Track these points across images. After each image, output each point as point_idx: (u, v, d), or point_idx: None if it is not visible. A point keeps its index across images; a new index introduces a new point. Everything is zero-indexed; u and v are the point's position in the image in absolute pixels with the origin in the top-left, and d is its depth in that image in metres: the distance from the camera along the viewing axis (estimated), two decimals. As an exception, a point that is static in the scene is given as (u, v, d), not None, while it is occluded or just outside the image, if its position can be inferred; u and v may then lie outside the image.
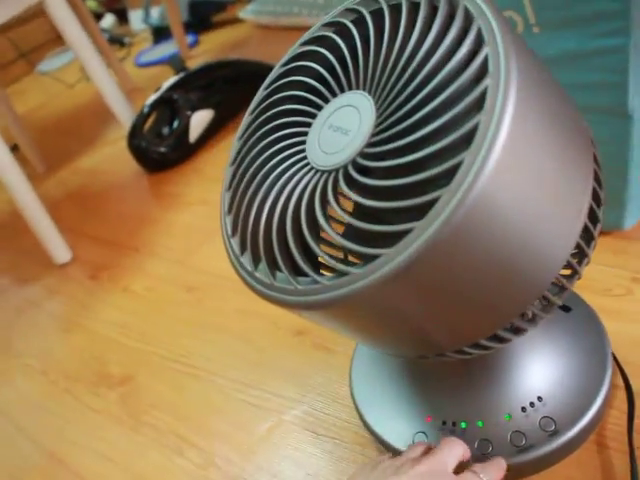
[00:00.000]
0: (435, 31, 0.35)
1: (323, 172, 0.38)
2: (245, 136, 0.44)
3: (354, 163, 0.36)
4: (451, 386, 0.52)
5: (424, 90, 0.34)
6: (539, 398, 0.49)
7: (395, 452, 0.50)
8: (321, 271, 0.41)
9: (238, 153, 0.44)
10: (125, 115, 1.27)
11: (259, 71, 1.23)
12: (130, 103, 1.31)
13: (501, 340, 0.42)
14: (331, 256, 0.36)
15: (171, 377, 0.74)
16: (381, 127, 0.36)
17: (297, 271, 0.38)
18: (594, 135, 0.44)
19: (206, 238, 0.98)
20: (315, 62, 0.42)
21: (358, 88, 0.38)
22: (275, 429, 0.62)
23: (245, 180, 0.42)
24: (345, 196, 0.37)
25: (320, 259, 0.39)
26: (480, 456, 0.47)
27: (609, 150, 0.62)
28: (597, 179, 0.42)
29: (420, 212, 0.32)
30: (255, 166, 0.42)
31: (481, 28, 0.33)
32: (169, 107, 1.24)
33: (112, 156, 1.40)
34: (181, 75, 1.28)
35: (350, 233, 0.38)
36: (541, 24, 0.60)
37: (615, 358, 0.54)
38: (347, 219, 0.35)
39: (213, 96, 1.27)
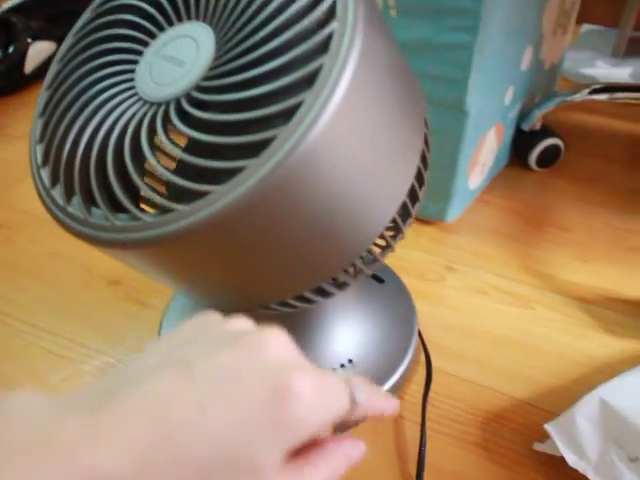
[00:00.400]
0: None
1: (153, 104, 0.35)
2: (65, 59, 0.40)
3: (188, 96, 0.33)
4: None
5: (268, 27, 0.32)
6: (349, 360, 0.51)
7: None
8: (143, 207, 0.38)
9: (56, 76, 0.40)
10: (-47, 29, 1.13)
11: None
12: (-39, 18, 1.17)
13: (307, 301, 0.41)
14: (155, 191, 0.34)
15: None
16: (220, 61, 0.33)
17: (116, 208, 0.35)
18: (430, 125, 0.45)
19: (27, 175, 0.89)
20: None
21: (198, 19, 0.36)
22: (72, 379, 0.58)
23: (62, 106, 0.38)
24: (178, 131, 0.35)
25: (142, 194, 0.36)
26: None
27: (442, 142, 0.66)
28: (424, 159, 0.43)
29: (256, 151, 0.30)
30: (75, 92, 0.38)
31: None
32: (5, 30, 1.12)
33: None
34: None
35: (180, 170, 0.35)
36: (399, 8, 0.61)
37: (420, 336, 0.56)
38: (178, 153, 0.33)
39: (58, 29, 1.16)
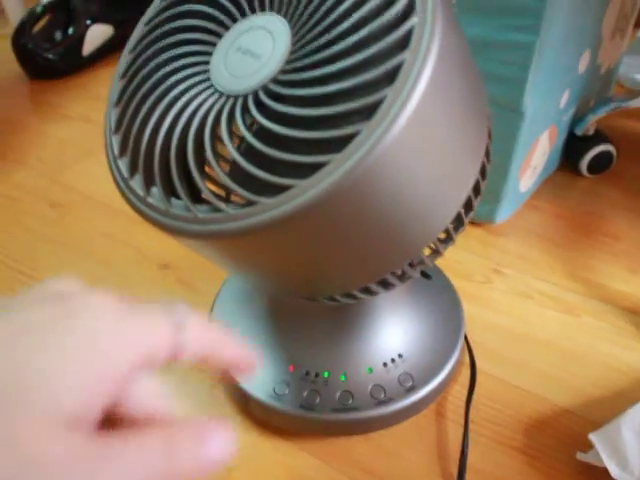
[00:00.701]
0: None
1: (229, 96, 0.35)
2: (139, 49, 0.40)
3: (265, 88, 0.34)
4: (316, 337, 0.52)
5: (346, 22, 0.32)
6: (399, 355, 0.51)
7: (254, 402, 0.50)
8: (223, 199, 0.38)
9: (129, 66, 0.40)
10: (15, 10, 1.17)
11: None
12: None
13: (371, 292, 0.42)
14: (238, 183, 0.34)
15: (16, 288, 0.69)
16: (297, 54, 0.34)
17: (196, 199, 0.36)
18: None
19: (82, 156, 0.92)
20: None
21: (272, 11, 0.36)
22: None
23: (138, 96, 0.38)
24: (258, 123, 0.35)
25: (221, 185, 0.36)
26: (341, 407, 0.49)
27: (496, 142, 0.65)
28: (483, 171, 0.43)
29: (333, 146, 0.31)
30: (151, 82, 0.38)
31: None
32: (66, 12, 1.14)
33: (-9, 53, 1.28)
34: (85, -18, 1.19)
35: (253, 161, 0.35)
36: (458, 5, 0.61)
37: (465, 337, 0.57)
38: (258, 145, 0.33)
39: (117, 13, 1.19)
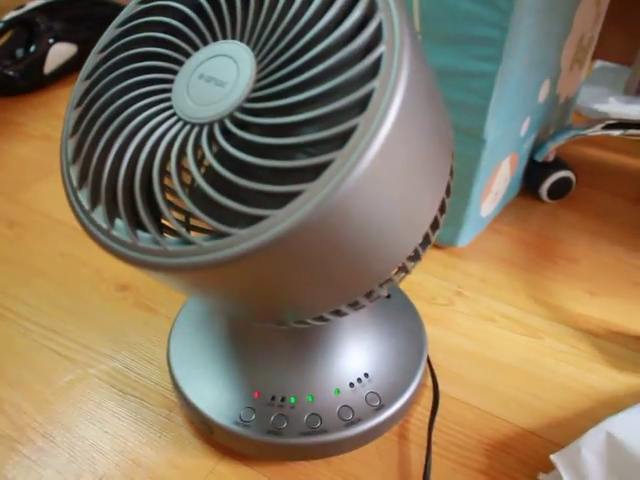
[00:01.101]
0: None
1: (194, 124, 0.35)
2: (94, 76, 0.39)
3: (232, 116, 0.33)
4: (280, 360, 0.51)
5: (313, 50, 0.32)
6: (365, 374, 0.51)
7: (219, 430, 0.49)
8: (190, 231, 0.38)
9: (85, 95, 0.39)
10: (-25, 26, 1.14)
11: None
12: (-17, 15, 1.18)
13: (341, 314, 0.42)
14: (209, 214, 0.33)
15: (-30, 312, 0.67)
16: (263, 82, 0.33)
17: (162, 230, 0.35)
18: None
19: (42, 175, 0.90)
20: (181, 2, 0.38)
21: (234, 38, 0.36)
22: (78, 382, 0.58)
23: (97, 125, 0.37)
24: (225, 151, 0.35)
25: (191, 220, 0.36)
26: (310, 431, 0.48)
27: (458, 168, 0.66)
28: (448, 189, 0.43)
29: (303, 174, 0.31)
30: (110, 111, 0.37)
31: (382, 22, 0.32)
32: (28, 30, 1.13)
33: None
34: (50, 0, 1.17)
35: (217, 189, 0.35)
36: (424, 34, 0.62)
37: (428, 360, 0.56)
38: (229, 176, 0.32)
39: (80, 32, 1.17)
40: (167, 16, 0.38)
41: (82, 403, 0.56)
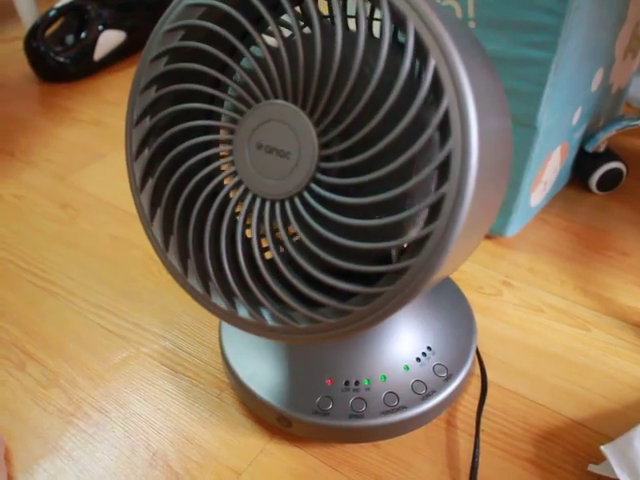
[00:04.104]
0: (384, 55, 0.32)
1: (274, 200, 0.36)
2: (154, 146, 0.40)
3: (310, 190, 0.35)
4: (348, 344, 0.51)
5: (384, 140, 0.32)
6: (428, 348, 0.52)
7: (298, 423, 0.49)
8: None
9: (151, 164, 0.41)
10: (28, 13, 1.17)
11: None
12: (36, 2, 1.20)
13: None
14: (326, 293, 0.37)
15: (26, 289, 0.69)
16: (329, 152, 0.34)
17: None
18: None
19: (92, 159, 0.92)
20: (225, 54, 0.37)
21: (285, 99, 0.35)
22: (131, 360, 0.60)
23: (180, 204, 0.40)
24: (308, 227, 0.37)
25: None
26: (390, 409, 0.49)
27: (511, 156, 0.66)
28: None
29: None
30: (175, 179, 0.40)
31: (438, 69, 0.31)
32: (79, 17, 1.15)
33: (3, 55, 1.29)
34: (100, -13, 1.19)
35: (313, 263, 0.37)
36: (477, 20, 0.62)
37: (476, 348, 0.56)
38: (326, 257, 0.35)
39: (129, 19, 1.20)
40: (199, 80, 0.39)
41: (135, 380, 0.58)
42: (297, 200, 0.35)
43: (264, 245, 0.38)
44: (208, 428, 0.53)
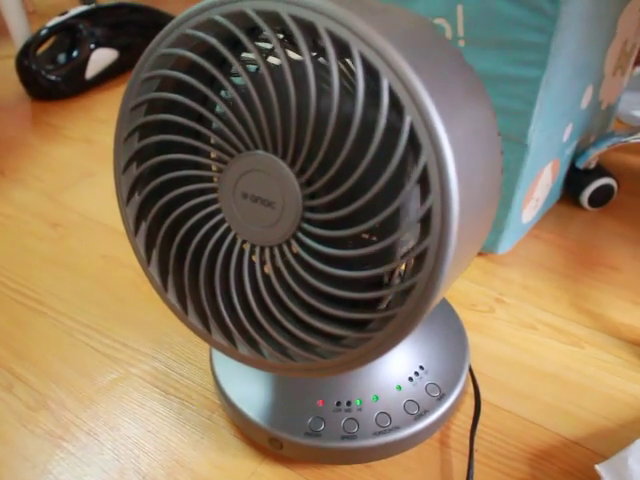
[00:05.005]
0: (359, 112, 0.31)
1: (264, 247, 0.38)
2: (144, 193, 0.41)
3: (297, 239, 0.36)
4: None
5: (365, 196, 0.33)
6: (421, 367, 0.52)
7: (289, 445, 0.49)
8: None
9: (142, 209, 0.42)
10: (20, 31, 1.18)
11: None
12: (28, 21, 1.21)
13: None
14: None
15: (12, 309, 0.68)
16: (313, 203, 0.35)
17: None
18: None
19: (82, 177, 0.92)
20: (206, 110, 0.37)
21: (257, 148, 0.35)
22: (121, 381, 0.59)
23: (174, 248, 0.41)
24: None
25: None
26: (382, 430, 0.48)
27: (502, 173, 0.66)
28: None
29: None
30: (168, 225, 0.41)
31: (414, 126, 0.30)
32: (71, 36, 1.16)
33: (-6, 73, 1.29)
34: (92, 6, 1.20)
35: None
36: (467, 38, 0.62)
37: (469, 366, 0.56)
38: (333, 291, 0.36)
39: (120, 37, 1.20)
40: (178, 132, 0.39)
41: (125, 402, 0.57)
42: (285, 247, 0.37)
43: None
44: (199, 450, 0.52)
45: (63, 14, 1.17)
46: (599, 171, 0.81)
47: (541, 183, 0.72)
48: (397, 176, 0.32)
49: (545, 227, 0.79)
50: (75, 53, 1.14)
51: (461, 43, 0.63)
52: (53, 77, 1.13)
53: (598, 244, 0.76)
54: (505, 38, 0.60)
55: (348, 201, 0.33)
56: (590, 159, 0.80)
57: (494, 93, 0.62)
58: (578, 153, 0.80)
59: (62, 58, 1.15)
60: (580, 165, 0.80)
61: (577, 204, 0.83)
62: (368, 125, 0.31)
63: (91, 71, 1.16)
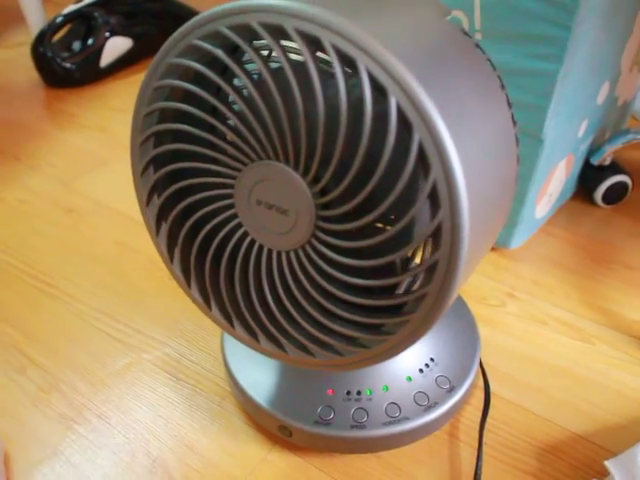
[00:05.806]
0: (367, 128, 0.31)
1: (280, 252, 0.39)
2: (163, 198, 0.42)
3: (312, 246, 0.37)
4: None
5: (379, 209, 0.33)
6: (431, 359, 0.52)
7: (299, 433, 0.49)
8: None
9: (160, 213, 0.43)
10: (35, 19, 1.18)
11: (188, 16, 1.18)
12: (44, 8, 1.21)
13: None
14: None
15: (27, 293, 0.69)
16: (327, 213, 0.35)
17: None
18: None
19: (97, 165, 0.92)
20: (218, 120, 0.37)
21: (269, 158, 0.35)
22: (133, 366, 0.59)
23: (195, 250, 0.42)
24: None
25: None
26: (392, 420, 0.48)
27: (516, 168, 0.65)
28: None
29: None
30: (187, 228, 0.42)
31: (423, 144, 0.30)
32: (86, 23, 1.16)
33: (10, 60, 1.29)
34: (107, -5, 1.20)
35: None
36: (484, 31, 0.62)
37: (480, 359, 0.56)
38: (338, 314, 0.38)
39: (136, 26, 1.20)
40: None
41: (137, 387, 0.57)
42: (301, 253, 0.37)
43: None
44: (209, 436, 0.53)
45: (78, 2, 1.17)
46: (614, 168, 0.81)
47: (555, 178, 0.72)
48: (409, 187, 0.32)
49: (558, 223, 0.79)
50: (90, 41, 1.14)
51: (478, 36, 0.62)
52: (68, 65, 1.13)
53: (611, 241, 0.76)
54: (522, 31, 0.59)
55: (361, 212, 0.33)
56: (605, 155, 0.79)
57: (510, 87, 0.62)
58: (593, 149, 0.80)
59: (77, 46, 1.15)
60: (595, 161, 0.80)
61: (591, 201, 0.82)
62: (378, 138, 0.31)
63: (106, 59, 1.16)
